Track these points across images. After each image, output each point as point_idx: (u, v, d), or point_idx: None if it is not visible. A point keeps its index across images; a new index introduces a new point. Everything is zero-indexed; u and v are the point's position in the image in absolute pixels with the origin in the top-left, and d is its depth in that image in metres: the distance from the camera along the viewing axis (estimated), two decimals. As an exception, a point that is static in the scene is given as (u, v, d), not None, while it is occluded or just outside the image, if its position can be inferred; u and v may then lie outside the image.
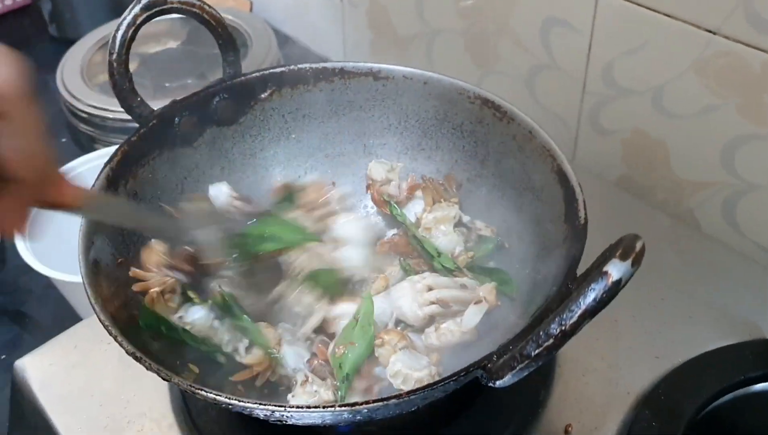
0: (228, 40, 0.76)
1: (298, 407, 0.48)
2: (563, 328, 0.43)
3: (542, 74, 0.97)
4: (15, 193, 0.42)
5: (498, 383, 0.47)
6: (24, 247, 0.88)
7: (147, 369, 0.53)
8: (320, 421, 0.51)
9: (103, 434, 0.69)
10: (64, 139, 1.18)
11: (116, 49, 0.69)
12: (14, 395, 0.76)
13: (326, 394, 0.62)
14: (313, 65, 0.79)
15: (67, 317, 0.94)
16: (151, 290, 0.67)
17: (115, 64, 0.69)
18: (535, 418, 0.69)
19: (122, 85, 0.71)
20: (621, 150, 0.94)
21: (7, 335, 0.96)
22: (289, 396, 0.63)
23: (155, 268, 0.68)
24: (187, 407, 0.70)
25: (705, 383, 0.69)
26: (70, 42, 1.25)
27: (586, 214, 0.59)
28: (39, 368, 0.75)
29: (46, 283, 0.94)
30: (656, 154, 0.90)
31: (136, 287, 0.67)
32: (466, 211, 0.77)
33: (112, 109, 1.08)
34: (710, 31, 0.78)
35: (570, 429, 0.68)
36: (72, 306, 0.93)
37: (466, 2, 1.00)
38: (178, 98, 0.75)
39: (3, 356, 0.93)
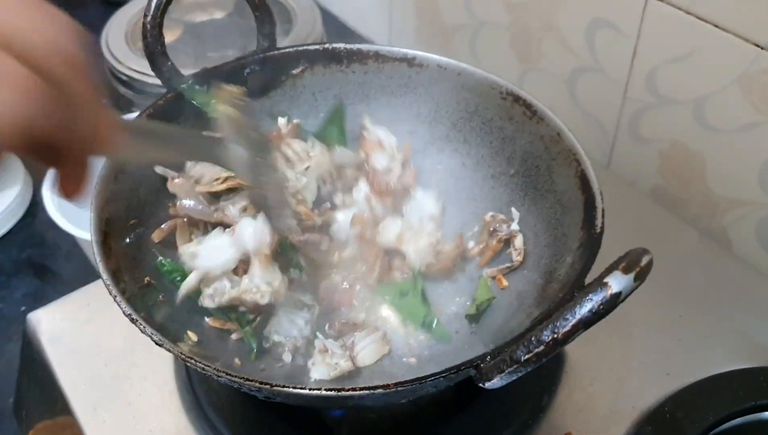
0: (265, 11, 0.76)
1: (284, 386, 0.48)
2: (555, 335, 0.42)
3: (584, 76, 0.95)
4: (70, 158, 0.41)
5: (487, 385, 0.46)
6: (51, 204, 0.89)
7: (141, 332, 0.54)
8: (306, 403, 0.51)
9: (104, 393, 0.70)
10: (105, 101, 1.19)
11: (151, 12, 0.69)
12: (24, 347, 0.78)
13: (346, 365, 0.62)
14: (348, 46, 0.79)
15: (90, 276, 0.95)
16: (179, 221, 0.69)
17: (148, 27, 0.70)
18: (536, 422, 0.68)
19: (154, 48, 0.71)
20: (657, 160, 0.91)
21: (29, 287, 0.97)
22: (309, 363, 0.64)
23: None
24: (188, 376, 0.70)
25: (713, 406, 0.67)
26: (119, 4, 1.26)
27: (603, 223, 0.58)
28: (50, 322, 0.76)
29: (74, 240, 0.95)
30: (693, 167, 0.88)
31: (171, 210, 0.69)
32: (488, 207, 0.76)
33: (153, 74, 1.08)
34: (759, 46, 0.75)
35: (570, 437, 0.67)
36: (93, 265, 0.94)
37: (514, -4, 0.99)
38: (209, 66, 0.75)
39: (23, 308, 0.94)
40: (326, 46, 0.78)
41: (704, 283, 0.80)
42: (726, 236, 0.88)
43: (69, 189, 0.42)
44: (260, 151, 0.63)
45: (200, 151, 0.62)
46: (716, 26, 0.78)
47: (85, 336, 0.75)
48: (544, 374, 0.71)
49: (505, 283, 0.70)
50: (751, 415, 0.67)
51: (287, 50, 0.78)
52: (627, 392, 0.70)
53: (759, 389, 0.68)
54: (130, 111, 1.12)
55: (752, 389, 0.68)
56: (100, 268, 0.58)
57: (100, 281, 0.80)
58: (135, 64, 1.12)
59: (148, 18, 0.69)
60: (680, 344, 0.74)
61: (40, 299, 0.96)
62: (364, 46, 0.78)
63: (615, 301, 0.42)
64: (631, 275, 0.41)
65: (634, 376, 0.71)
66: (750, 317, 0.76)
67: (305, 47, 0.78)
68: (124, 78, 1.12)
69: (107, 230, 0.62)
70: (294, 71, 0.78)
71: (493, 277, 0.71)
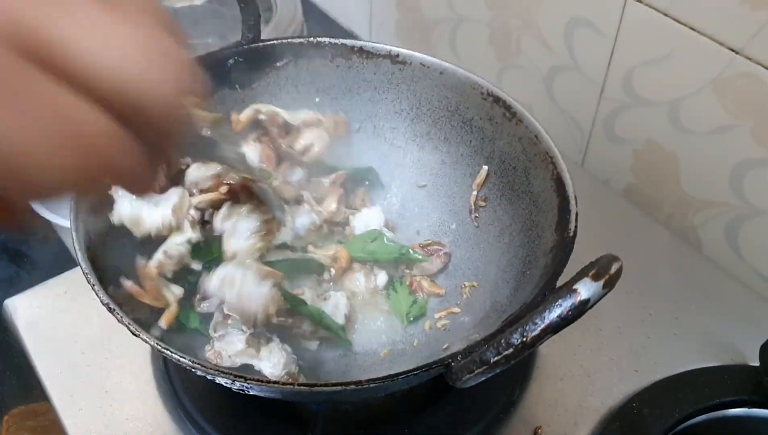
0: (250, 3, 0.76)
1: (258, 380, 0.49)
2: (524, 339, 0.43)
3: (562, 74, 0.97)
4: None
5: (457, 384, 0.47)
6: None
7: (118, 322, 0.54)
8: (280, 396, 0.52)
9: (80, 381, 0.71)
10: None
11: (141, 1, 0.69)
12: (1, 334, 0.78)
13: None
14: (332, 40, 0.79)
15: (66, 262, 0.94)
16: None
17: (135, 16, 0.70)
18: (507, 416, 0.70)
19: (139, 38, 0.71)
20: (632, 159, 0.93)
21: (4, 272, 0.97)
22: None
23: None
24: (165, 365, 0.71)
25: (679, 402, 0.69)
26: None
27: (576, 227, 0.59)
28: (27, 309, 0.76)
29: (49, 225, 0.95)
30: (666, 168, 0.89)
31: None
32: (461, 206, 0.77)
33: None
34: (733, 50, 0.77)
35: (539, 432, 0.68)
36: (71, 252, 0.94)
37: (496, -9, 0.99)
38: (194, 56, 0.75)
39: (-2, 292, 0.94)
40: (311, 39, 0.78)
41: (673, 282, 0.82)
42: (696, 236, 0.90)
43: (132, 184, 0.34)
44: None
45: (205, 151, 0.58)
46: (693, 29, 0.80)
47: (62, 324, 0.75)
48: (516, 369, 0.72)
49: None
50: (715, 412, 0.69)
51: (271, 42, 0.78)
52: (596, 388, 0.72)
53: (724, 387, 0.70)
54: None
55: (717, 387, 0.70)
56: (79, 256, 0.59)
57: (77, 269, 0.81)
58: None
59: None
60: (649, 342, 0.76)
61: (15, 284, 0.96)
62: (348, 41, 0.78)
63: (583, 307, 0.43)
64: (601, 283, 0.43)
65: (604, 372, 0.73)
66: (717, 317, 0.78)
67: (289, 40, 0.79)
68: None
69: (87, 218, 0.62)
70: (278, 63, 0.79)
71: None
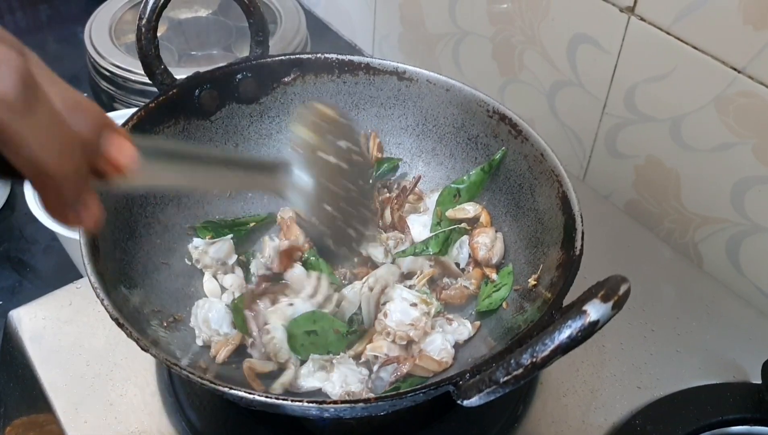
0: (259, 19, 0.77)
1: (267, 396, 0.49)
2: (534, 359, 0.44)
3: (564, 90, 0.97)
4: (70, 183, 0.36)
5: (465, 402, 0.47)
6: (32, 197, 0.88)
7: (128, 336, 0.54)
8: (288, 412, 0.52)
9: (86, 393, 0.71)
10: (85, 95, 1.19)
11: (146, 15, 0.70)
12: (5, 344, 0.78)
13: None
14: (340, 56, 0.80)
15: (69, 272, 0.95)
16: None
17: (143, 29, 0.70)
18: (511, 432, 0.70)
19: (148, 51, 0.71)
20: (633, 175, 0.94)
21: (6, 282, 0.97)
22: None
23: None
24: (170, 378, 0.71)
25: (682, 419, 0.69)
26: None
27: (582, 245, 0.60)
28: (32, 320, 0.76)
29: (53, 235, 0.95)
30: (668, 184, 0.90)
31: None
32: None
33: (135, 70, 1.08)
34: (735, 69, 0.77)
35: (543, 448, 0.69)
36: (74, 262, 0.95)
37: (499, 7, 1.00)
38: (201, 69, 0.76)
39: (0, 302, 0.94)
40: (318, 55, 0.79)
41: (675, 298, 0.83)
42: (697, 252, 0.90)
43: (59, 212, 0.37)
44: (360, 176, 0.60)
45: (242, 177, 0.54)
46: (695, 48, 0.80)
47: (67, 335, 0.75)
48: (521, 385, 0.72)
49: None
50: (718, 430, 0.70)
51: (280, 58, 0.79)
52: (599, 404, 0.72)
53: (726, 404, 0.71)
54: (112, 107, 1.12)
55: (720, 404, 0.71)
56: (88, 269, 0.59)
57: (83, 281, 0.81)
58: (117, 60, 1.12)
59: (143, 21, 0.70)
60: (651, 358, 0.76)
61: (17, 294, 0.96)
62: (355, 58, 0.79)
63: (593, 328, 0.43)
64: (609, 304, 0.43)
65: (607, 389, 0.73)
66: (718, 334, 0.79)
67: (297, 56, 0.79)
68: (106, 73, 1.12)
69: (95, 232, 0.62)
70: (286, 79, 0.79)
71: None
